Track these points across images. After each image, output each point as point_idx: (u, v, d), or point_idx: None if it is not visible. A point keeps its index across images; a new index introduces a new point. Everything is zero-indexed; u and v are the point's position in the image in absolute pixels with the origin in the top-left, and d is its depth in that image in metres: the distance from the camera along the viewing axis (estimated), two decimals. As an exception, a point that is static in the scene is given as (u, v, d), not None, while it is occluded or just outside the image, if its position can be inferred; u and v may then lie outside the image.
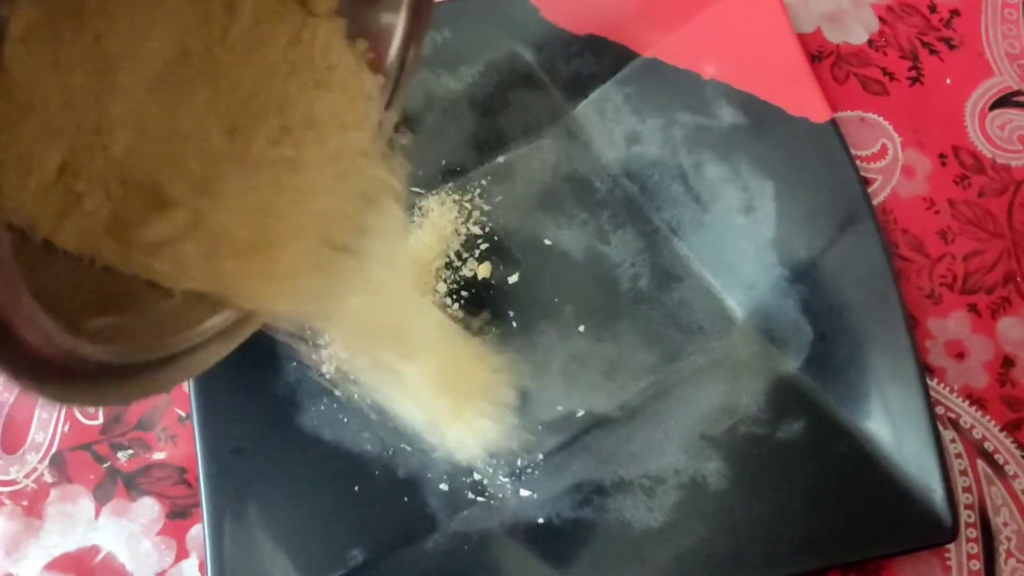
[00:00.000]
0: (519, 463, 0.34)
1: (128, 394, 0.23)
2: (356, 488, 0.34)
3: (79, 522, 0.35)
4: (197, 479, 0.34)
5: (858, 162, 0.39)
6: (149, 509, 0.35)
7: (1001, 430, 0.36)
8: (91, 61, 0.23)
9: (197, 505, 0.34)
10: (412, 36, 0.29)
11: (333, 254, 0.28)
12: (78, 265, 0.23)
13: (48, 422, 0.37)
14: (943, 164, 0.40)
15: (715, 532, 0.33)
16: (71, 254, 0.23)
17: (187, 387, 0.35)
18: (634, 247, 0.38)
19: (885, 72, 0.42)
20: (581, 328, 0.36)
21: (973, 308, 0.37)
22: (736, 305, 0.37)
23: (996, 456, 0.35)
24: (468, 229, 0.38)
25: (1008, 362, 0.37)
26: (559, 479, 0.34)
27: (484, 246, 0.38)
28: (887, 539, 0.33)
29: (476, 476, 0.34)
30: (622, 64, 0.41)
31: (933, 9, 0.43)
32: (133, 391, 0.23)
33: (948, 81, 0.41)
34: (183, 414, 0.36)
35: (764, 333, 0.36)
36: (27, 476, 0.36)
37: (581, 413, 0.35)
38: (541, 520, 0.33)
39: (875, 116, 0.41)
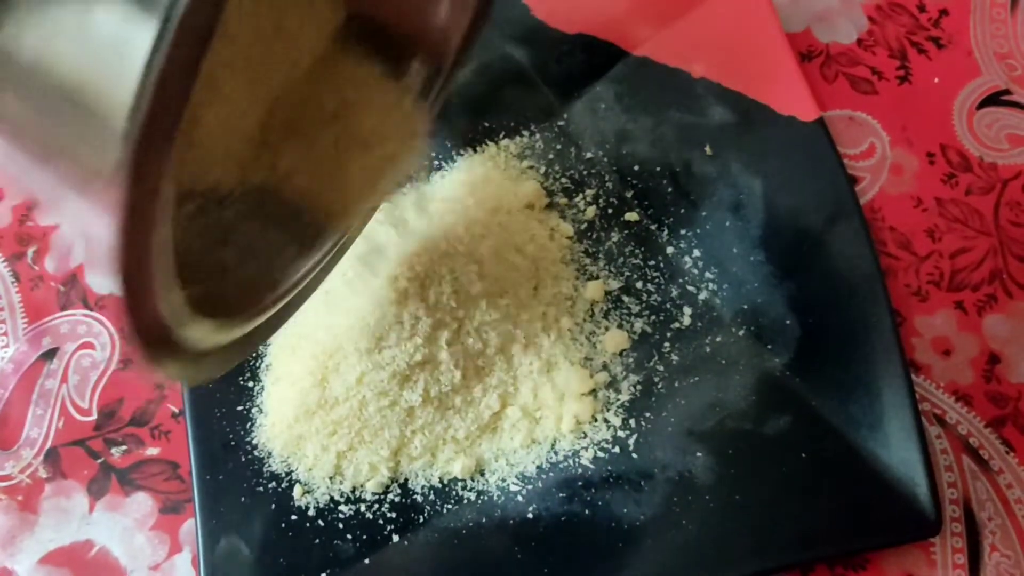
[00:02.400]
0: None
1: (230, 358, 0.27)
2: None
3: (73, 517, 0.36)
4: (190, 474, 0.34)
5: (847, 160, 0.39)
6: (142, 504, 0.36)
7: (986, 426, 0.36)
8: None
9: (190, 500, 0.35)
10: (473, 28, 0.31)
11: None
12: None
13: (43, 419, 0.37)
14: (931, 163, 0.40)
15: (702, 527, 0.33)
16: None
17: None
18: (623, 244, 0.38)
19: (874, 71, 0.42)
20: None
21: (959, 305, 0.38)
22: (724, 302, 0.37)
23: (981, 452, 0.36)
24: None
25: (994, 359, 0.37)
26: (548, 474, 0.34)
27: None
28: (872, 533, 0.33)
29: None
30: (613, 63, 0.41)
31: (922, 8, 0.43)
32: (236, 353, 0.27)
33: (936, 80, 0.42)
34: (176, 410, 0.37)
35: (752, 330, 0.36)
36: (22, 472, 0.36)
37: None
38: (530, 515, 0.34)
39: (864, 115, 0.41)
